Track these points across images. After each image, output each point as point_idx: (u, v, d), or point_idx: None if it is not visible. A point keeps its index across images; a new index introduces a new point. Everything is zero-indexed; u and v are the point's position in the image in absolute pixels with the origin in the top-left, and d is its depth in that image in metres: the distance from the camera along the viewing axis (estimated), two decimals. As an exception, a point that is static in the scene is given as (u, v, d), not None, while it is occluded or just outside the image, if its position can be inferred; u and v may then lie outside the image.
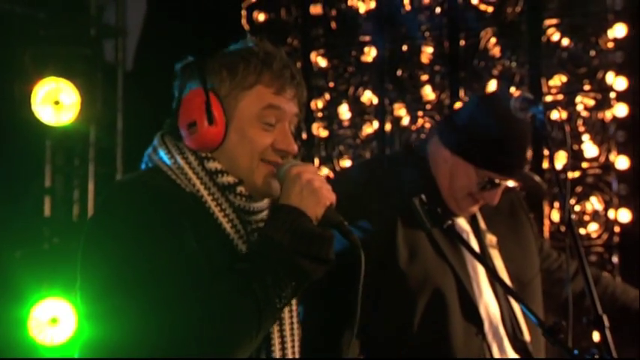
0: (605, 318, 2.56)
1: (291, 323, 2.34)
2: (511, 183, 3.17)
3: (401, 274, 3.10)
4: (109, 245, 2.15)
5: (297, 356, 2.34)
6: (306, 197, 2.21)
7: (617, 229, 4.42)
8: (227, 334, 2.10)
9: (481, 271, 3.18)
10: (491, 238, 3.29)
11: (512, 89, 4.68)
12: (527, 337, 3.19)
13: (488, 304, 3.18)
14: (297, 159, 2.34)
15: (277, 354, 2.29)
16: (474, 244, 3.24)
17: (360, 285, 2.21)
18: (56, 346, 4.80)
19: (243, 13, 5.27)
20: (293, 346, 2.33)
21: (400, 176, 3.21)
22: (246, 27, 5.25)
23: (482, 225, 3.31)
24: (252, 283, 2.12)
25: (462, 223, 3.27)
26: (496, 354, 3.14)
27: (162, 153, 2.31)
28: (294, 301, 2.33)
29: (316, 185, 2.22)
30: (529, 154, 3.22)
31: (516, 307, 3.18)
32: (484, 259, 2.98)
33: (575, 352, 2.42)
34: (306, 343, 2.40)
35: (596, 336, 4.14)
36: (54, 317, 4.80)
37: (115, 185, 2.39)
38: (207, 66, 2.31)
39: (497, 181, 3.16)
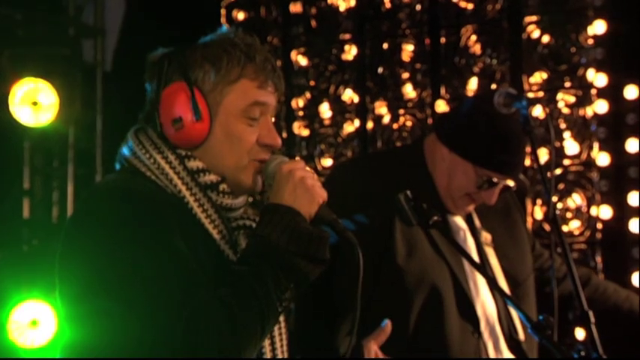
0: (591, 314, 2.56)
1: (278, 322, 2.29)
2: (510, 182, 3.15)
3: (398, 270, 3.08)
4: (89, 248, 2.07)
5: (285, 355, 2.30)
6: (300, 196, 2.17)
7: (599, 225, 4.42)
8: (231, 340, 2.03)
9: None
10: (486, 236, 3.28)
11: (493, 86, 4.68)
12: (521, 336, 3.18)
13: (485, 302, 3.17)
14: (280, 153, 2.30)
15: (268, 354, 2.25)
16: (471, 242, 3.22)
17: (360, 282, 2.17)
18: (36, 349, 4.77)
19: (223, 11, 5.25)
20: (282, 345, 2.30)
21: (397, 173, 3.19)
22: (226, 26, 5.21)
23: (478, 223, 3.30)
24: (255, 287, 2.07)
25: (459, 221, 3.25)
26: (492, 353, 3.13)
27: (139, 152, 2.22)
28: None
29: (309, 183, 2.18)
30: (525, 153, 3.20)
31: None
32: (471, 257, 2.97)
33: (563, 348, 2.41)
34: (301, 339, 2.37)
35: (579, 333, 4.16)
36: (34, 319, 4.76)
37: (95, 188, 2.33)
38: (188, 58, 2.24)
39: (495, 180, 3.13)
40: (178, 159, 2.22)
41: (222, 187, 2.23)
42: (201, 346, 1.99)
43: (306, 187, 2.17)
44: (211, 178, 2.22)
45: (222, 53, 2.23)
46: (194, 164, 2.22)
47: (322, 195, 2.20)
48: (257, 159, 2.25)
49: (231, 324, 2.02)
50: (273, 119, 2.31)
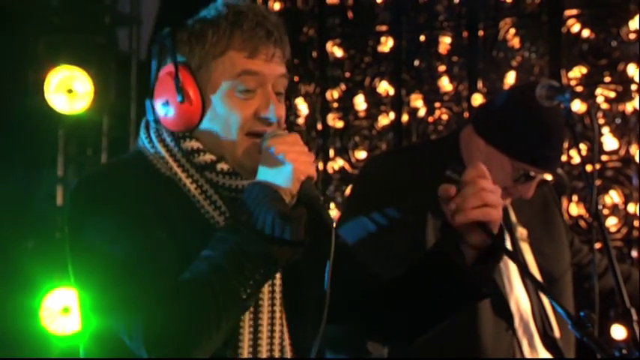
0: (633, 311, 2.51)
1: (271, 317, 2.15)
2: (548, 176, 3.09)
3: None
4: (73, 236, 2.10)
5: (276, 354, 2.14)
6: (278, 172, 2.02)
7: (636, 223, 4.36)
8: (180, 331, 1.95)
9: (512, 265, 3.11)
10: (522, 232, 3.22)
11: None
12: (557, 333, 3.14)
13: (519, 299, 3.13)
14: (284, 130, 2.14)
15: (245, 352, 2.11)
16: (505, 238, 3.18)
17: (330, 265, 2.00)
18: (68, 336, 4.77)
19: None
20: (271, 343, 2.14)
21: (432, 166, 3.14)
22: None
23: (513, 218, 3.25)
24: (211, 274, 1.96)
25: None
26: (526, 350, 3.09)
27: (143, 136, 2.19)
28: (278, 296, 2.16)
29: (290, 158, 2.03)
30: (563, 147, 3.15)
31: (547, 302, 3.11)
32: (514, 254, 2.92)
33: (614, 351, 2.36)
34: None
35: (615, 331, 4.11)
36: (66, 307, 4.77)
37: (84, 175, 2.25)
38: (177, 37, 2.14)
39: (532, 174, 3.08)
40: (174, 141, 2.14)
41: (220, 166, 2.13)
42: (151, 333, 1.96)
43: (284, 164, 2.02)
44: (206, 158, 2.13)
45: (207, 27, 2.13)
46: (189, 145, 2.13)
47: (306, 171, 2.04)
48: (254, 131, 2.11)
49: (180, 314, 1.95)
50: (281, 88, 2.16)
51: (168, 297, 1.96)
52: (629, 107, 4.44)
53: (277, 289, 2.17)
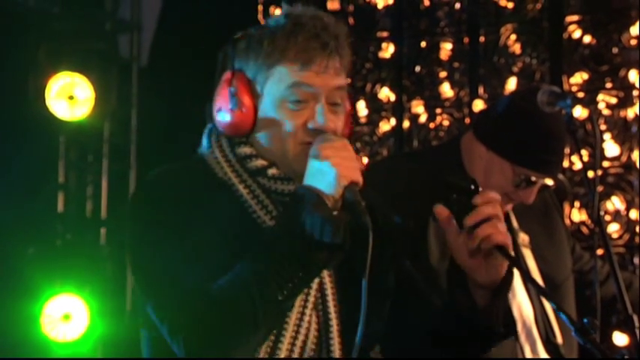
0: (635, 318, 2.50)
1: (317, 321, 2.17)
2: (549, 181, 3.09)
3: (432, 271, 3.03)
4: (130, 235, 2.18)
5: (312, 354, 2.16)
6: (322, 177, 2.05)
7: (638, 229, 4.35)
8: (217, 332, 2.01)
9: (514, 271, 3.10)
10: (523, 237, 3.22)
11: (533, 86, 4.63)
12: (559, 339, 3.13)
13: (522, 305, 3.12)
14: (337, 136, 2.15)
15: (284, 352, 2.13)
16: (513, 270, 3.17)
17: (367, 269, 2.01)
18: (69, 343, 4.77)
19: (260, 8, 5.23)
20: (305, 341, 2.15)
21: (433, 172, 3.13)
22: (263, 22, 5.19)
23: (515, 224, 3.24)
24: (249, 276, 2.01)
25: None
26: (529, 356, 3.08)
27: (205, 140, 2.25)
28: (330, 295, 2.18)
29: (334, 162, 2.05)
30: (564, 152, 3.14)
31: (549, 308, 3.10)
32: (517, 260, 2.91)
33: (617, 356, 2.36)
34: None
35: (617, 337, 4.09)
36: (66, 313, 4.77)
37: (144, 178, 2.29)
38: (237, 46, 2.19)
39: (534, 179, 3.07)
40: (230, 146, 2.20)
41: (271, 171, 2.17)
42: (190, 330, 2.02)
43: (329, 168, 2.05)
44: (258, 163, 2.18)
45: (264, 37, 2.16)
46: (242, 150, 2.19)
47: (350, 176, 2.06)
48: (302, 142, 2.15)
49: (216, 316, 2.00)
50: (338, 99, 2.18)
51: (208, 298, 2.01)
52: (630, 113, 4.43)
53: (329, 292, 2.19)
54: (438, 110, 4.88)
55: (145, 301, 2.15)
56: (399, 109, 4.95)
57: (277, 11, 5.22)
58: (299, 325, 2.15)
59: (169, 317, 2.06)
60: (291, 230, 2.03)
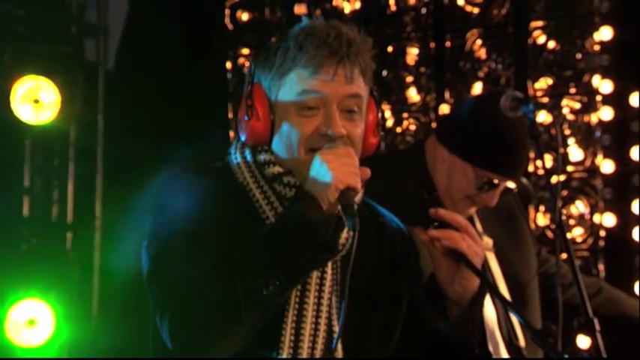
0: (596, 321, 2.52)
1: (315, 322, 2.21)
2: (511, 184, 3.12)
3: None
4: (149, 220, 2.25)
5: (317, 354, 2.20)
6: (318, 180, 2.12)
7: (602, 233, 4.40)
8: (199, 323, 2.08)
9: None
10: (487, 241, 3.25)
11: (497, 91, 4.66)
12: (522, 342, 3.15)
13: (485, 307, 3.14)
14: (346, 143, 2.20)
15: (286, 352, 2.18)
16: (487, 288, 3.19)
17: (349, 269, 2.10)
18: (34, 348, 4.73)
19: (227, 12, 5.22)
20: (314, 341, 2.20)
21: (397, 176, 3.15)
22: (230, 26, 5.20)
23: (479, 227, 3.27)
24: (237, 271, 2.07)
25: None
26: (491, 358, 3.10)
27: (232, 148, 2.34)
28: (325, 298, 2.22)
29: (331, 167, 2.12)
30: (527, 155, 3.17)
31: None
32: (481, 271, 2.94)
33: (565, 356, 2.38)
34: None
35: (581, 341, 4.13)
36: (31, 319, 4.73)
37: (166, 171, 2.34)
38: (258, 58, 2.28)
39: (496, 181, 3.10)
40: (252, 154, 2.27)
41: (287, 179, 2.23)
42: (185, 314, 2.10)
43: (325, 172, 2.12)
44: (274, 170, 2.24)
45: (278, 48, 2.23)
46: (262, 157, 2.26)
47: (346, 181, 2.12)
48: (313, 148, 2.19)
49: (199, 307, 2.08)
50: (353, 106, 2.21)
51: (196, 291, 2.09)
52: (594, 118, 4.48)
53: (325, 300, 2.22)
54: (405, 115, 4.90)
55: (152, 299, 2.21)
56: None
57: (244, 16, 5.22)
58: (297, 327, 2.20)
59: (161, 304, 2.14)
60: (282, 228, 2.11)
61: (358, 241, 2.10)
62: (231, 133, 4.85)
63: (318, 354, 2.20)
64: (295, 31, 2.23)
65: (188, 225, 2.17)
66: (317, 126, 2.19)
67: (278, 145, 2.24)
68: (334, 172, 2.11)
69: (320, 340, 2.21)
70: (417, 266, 2.44)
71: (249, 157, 2.28)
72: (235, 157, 2.31)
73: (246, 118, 2.25)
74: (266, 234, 2.13)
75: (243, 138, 2.28)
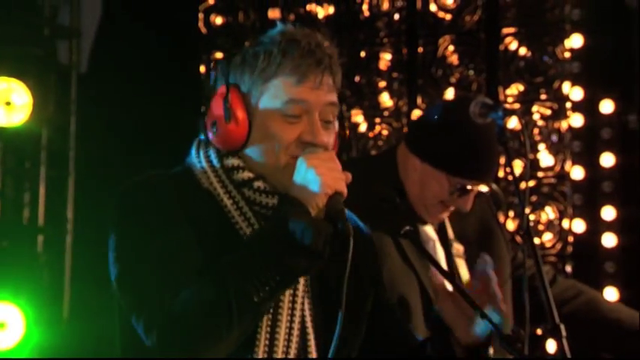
0: (562, 327, 2.55)
1: (290, 322, 2.21)
2: (483, 188, 3.15)
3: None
4: (111, 232, 2.22)
5: (292, 355, 2.21)
6: (305, 186, 2.11)
7: (570, 238, 4.44)
8: (189, 329, 2.06)
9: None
10: (458, 248, 3.27)
11: (468, 97, 4.70)
12: (490, 348, 3.17)
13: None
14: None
15: (261, 353, 2.18)
16: (440, 253, 3.21)
17: (346, 278, 2.09)
18: (4, 351, 4.71)
19: (200, 16, 5.23)
20: (287, 346, 2.20)
21: (368, 182, 3.16)
22: (203, 30, 5.20)
23: (450, 234, 3.29)
24: (227, 277, 2.06)
25: (429, 231, 3.24)
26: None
27: (193, 152, 2.30)
28: (299, 300, 2.22)
29: (319, 172, 2.11)
30: (497, 159, 3.20)
31: None
32: (453, 278, 2.97)
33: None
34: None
35: (550, 346, 4.17)
36: (2, 322, 4.71)
37: (126, 183, 2.28)
38: (232, 61, 2.24)
39: (469, 187, 3.13)
40: (218, 157, 2.25)
41: (257, 184, 2.21)
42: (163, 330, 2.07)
43: (312, 177, 2.11)
44: (245, 175, 2.22)
45: (260, 53, 2.21)
46: (231, 161, 2.23)
47: (334, 186, 2.12)
48: (294, 155, 2.19)
49: (190, 314, 2.05)
50: (330, 116, 2.23)
51: (185, 297, 2.07)
52: (564, 124, 4.52)
53: (299, 299, 2.22)
54: (377, 120, 4.92)
55: (125, 303, 2.18)
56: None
57: (218, 19, 5.23)
58: (272, 332, 2.20)
59: (145, 314, 2.10)
60: (272, 234, 2.09)
61: (343, 245, 2.09)
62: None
63: (292, 354, 2.21)
64: (274, 36, 2.22)
65: (162, 236, 2.15)
66: (299, 134, 2.19)
67: (255, 151, 2.22)
68: (322, 177, 2.11)
69: (294, 339, 2.22)
70: (377, 265, 2.48)
71: (215, 162, 2.25)
72: (199, 161, 2.28)
73: (225, 120, 2.21)
74: (256, 240, 2.12)
75: (214, 141, 2.25)
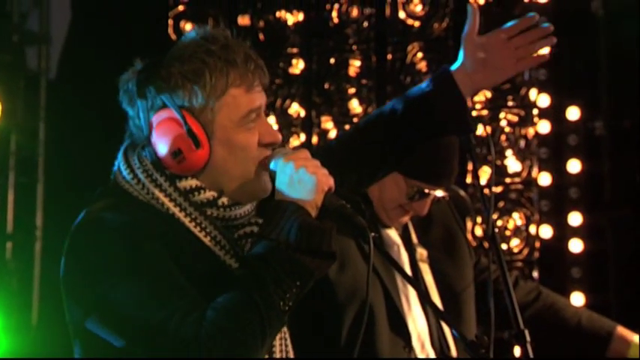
0: (526, 332, 2.58)
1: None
2: (440, 193, 3.19)
3: (330, 284, 3.08)
4: (85, 282, 2.10)
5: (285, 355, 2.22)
6: (301, 187, 2.09)
7: (537, 244, 4.48)
8: (231, 349, 1.99)
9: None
10: (421, 252, 3.30)
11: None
12: (453, 353, 3.21)
13: (417, 318, 3.19)
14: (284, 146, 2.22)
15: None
16: (404, 258, 3.25)
17: (370, 267, 2.11)
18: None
19: (170, 22, 5.22)
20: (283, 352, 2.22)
21: None
22: (173, 37, 5.20)
23: (414, 238, 3.32)
24: (253, 291, 2.01)
25: (393, 235, 3.27)
26: (423, 368, 3.15)
27: (128, 177, 2.18)
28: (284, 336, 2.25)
29: (310, 171, 2.10)
30: (456, 164, 3.24)
31: (444, 323, 3.17)
32: (415, 281, 3.00)
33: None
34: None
35: (517, 351, 4.20)
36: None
37: (86, 220, 2.16)
38: (168, 80, 2.15)
39: (426, 191, 3.17)
40: (168, 181, 2.17)
41: (222, 201, 2.17)
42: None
43: (306, 177, 2.09)
44: (207, 195, 2.16)
45: (201, 67, 2.14)
46: (186, 184, 2.17)
47: (327, 182, 2.12)
48: (261, 158, 2.18)
49: (229, 333, 1.99)
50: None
51: (215, 315, 2.00)
52: (531, 131, 4.57)
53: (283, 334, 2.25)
54: (347, 126, 4.94)
55: (115, 333, 2.07)
56: (308, 125, 5.00)
57: (188, 26, 5.23)
58: None
59: (165, 339, 2.00)
60: (285, 242, 2.04)
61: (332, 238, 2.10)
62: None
63: (277, 355, 2.23)
64: (204, 47, 2.16)
65: (149, 265, 2.07)
66: (258, 137, 2.18)
67: (217, 167, 2.17)
68: (316, 175, 2.10)
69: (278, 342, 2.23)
70: None
71: (166, 185, 2.17)
72: (143, 186, 2.17)
73: (195, 147, 2.13)
74: (268, 251, 2.05)
75: (177, 169, 2.15)
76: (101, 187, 2.25)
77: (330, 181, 2.13)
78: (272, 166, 2.17)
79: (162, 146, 2.16)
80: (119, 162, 2.22)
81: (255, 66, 2.18)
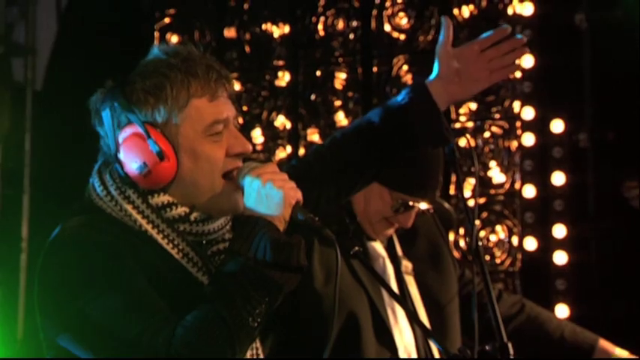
0: (510, 346, 2.59)
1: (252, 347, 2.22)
2: (424, 205, 3.20)
3: (316, 295, 3.09)
4: (60, 299, 2.11)
5: None
6: (269, 201, 2.10)
7: (519, 256, 4.50)
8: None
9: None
10: (406, 265, 3.32)
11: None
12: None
13: (403, 331, 3.21)
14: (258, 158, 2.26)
15: None
16: (390, 270, 3.26)
17: (338, 279, 2.12)
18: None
19: (156, 34, 5.24)
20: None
21: None
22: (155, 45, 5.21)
23: (399, 251, 3.34)
24: (221, 308, 2.02)
25: (379, 248, 3.28)
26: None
27: (102, 194, 2.19)
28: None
29: (277, 185, 2.11)
30: (441, 176, 3.26)
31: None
32: (402, 299, 3.01)
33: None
34: None
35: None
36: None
37: (60, 238, 2.18)
38: (130, 96, 2.15)
39: (411, 203, 3.19)
40: (140, 197, 2.18)
41: (194, 216, 2.18)
42: None
43: (274, 191, 2.10)
44: (179, 211, 2.17)
45: (162, 80, 2.15)
46: (158, 200, 2.18)
47: (294, 195, 2.13)
48: (227, 171, 2.18)
49: (197, 350, 1.99)
50: (237, 119, 2.25)
51: (184, 332, 2.00)
52: (515, 143, 4.59)
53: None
54: (332, 138, 4.96)
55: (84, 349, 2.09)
56: (294, 137, 5.02)
57: (174, 38, 5.24)
58: None
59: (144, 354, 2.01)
60: (253, 257, 2.05)
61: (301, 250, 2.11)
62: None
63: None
64: (164, 60, 2.17)
65: (122, 283, 2.07)
66: (227, 147, 2.19)
67: (185, 180, 2.17)
68: (283, 189, 2.12)
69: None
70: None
71: (138, 202, 2.17)
72: (116, 202, 2.18)
73: (159, 159, 2.13)
74: (237, 265, 2.06)
75: (144, 183, 2.16)
76: (76, 204, 2.26)
77: (297, 194, 2.14)
78: (240, 181, 2.18)
79: (129, 162, 2.17)
80: (93, 179, 2.23)
81: (218, 76, 2.18)
